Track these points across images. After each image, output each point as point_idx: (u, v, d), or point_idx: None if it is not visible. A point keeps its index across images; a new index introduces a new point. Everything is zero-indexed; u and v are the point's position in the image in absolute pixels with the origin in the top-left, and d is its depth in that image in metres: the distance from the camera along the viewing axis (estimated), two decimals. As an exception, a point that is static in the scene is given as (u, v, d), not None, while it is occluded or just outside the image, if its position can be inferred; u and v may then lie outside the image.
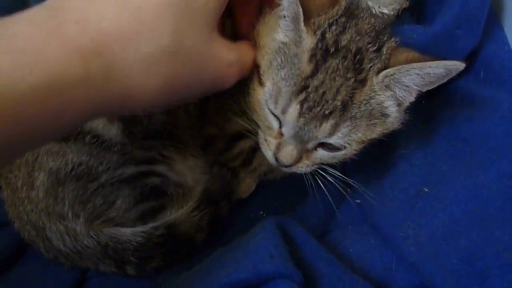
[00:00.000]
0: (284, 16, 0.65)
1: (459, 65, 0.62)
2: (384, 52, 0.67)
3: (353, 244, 0.75)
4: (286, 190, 0.90)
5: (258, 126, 0.74)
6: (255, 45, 0.69)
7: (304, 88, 0.63)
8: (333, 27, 0.65)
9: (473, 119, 0.79)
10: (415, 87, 0.65)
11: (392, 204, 0.76)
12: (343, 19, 0.67)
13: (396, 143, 0.83)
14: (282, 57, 0.65)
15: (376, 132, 0.67)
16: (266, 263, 0.63)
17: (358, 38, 0.66)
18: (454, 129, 0.81)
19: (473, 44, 0.84)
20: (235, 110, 0.79)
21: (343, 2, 0.68)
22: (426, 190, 0.75)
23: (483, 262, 0.63)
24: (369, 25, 0.69)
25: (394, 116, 0.68)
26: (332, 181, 0.76)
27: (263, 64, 0.67)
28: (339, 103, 0.63)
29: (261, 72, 0.67)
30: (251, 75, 0.70)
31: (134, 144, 0.75)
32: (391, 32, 0.72)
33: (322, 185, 0.76)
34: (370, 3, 0.89)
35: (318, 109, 0.63)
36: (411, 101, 0.68)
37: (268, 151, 0.72)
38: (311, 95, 0.63)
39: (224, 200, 0.82)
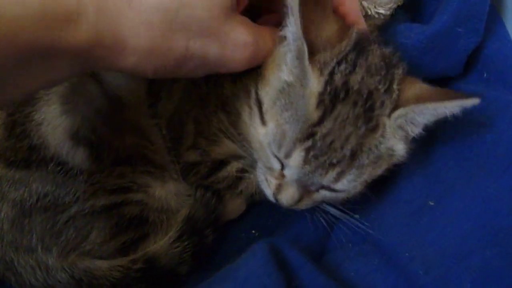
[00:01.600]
0: (290, 51, 0.60)
1: (476, 101, 0.60)
2: (395, 89, 0.62)
3: (354, 265, 0.69)
4: (279, 207, 0.82)
5: (252, 154, 0.69)
6: (258, 75, 0.64)
7: (311, 135, 0.59)
8: (342, 66, 0.60)
9: (479, 125, 0.73)
10: (427, 123, 0.63)
11: (394, 220, 0.70)
12: (352, 55, 0.61)
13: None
14: (287, 99, 0.60)
15: (381, 170, 0.64)
16: (259, 296, 0.56)
17: (368, 78, 0.61)
18: (458, 136, 0.74)
19: (474, 42, 0.78)
20: (225, 130, 0.73)
21: (353, 35, 0.63)
22: (431, 203, 0.69)
23: (501, 284, 0.56)
24: (379, 59, 0.64)
25: (401, 154, 0.65)
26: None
27: (266, 101, 0.63)
28: (348, 153, 0.59)
29: (264, 109, 0.63)
30: (244, 110, 0.66)
31: (103, 172, 0.68)
32: (398, 57, 0.67)
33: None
34: (365, 4, 0.83)
35: (325, 158, 0.59)
36: (418, 132, 0.64)
37: (267, 190, 0.68)
38: (318, 144, 0.58)
39: (208, 228, 0.75)
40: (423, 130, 0.64)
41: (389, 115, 0.61)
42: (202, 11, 0.51)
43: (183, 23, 0.50)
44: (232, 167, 0.77)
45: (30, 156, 0.66)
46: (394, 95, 0.62)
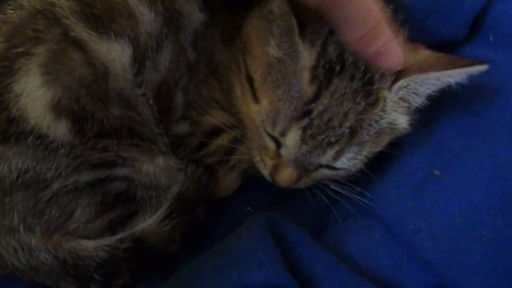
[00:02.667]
0: (275, 22, 0.57)
1: (482, 68, 0.56)
2: None
3: (355, 240, 0.65)
4: (275, 182, 0.79)
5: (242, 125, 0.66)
6: (245, 50, 0.61)
7: (307, 113, 0.55)
8: (335, 35, 0.56)
9: (485, 89, 0.69)
10: (431, 92, 0.60)
11: (398, 191, 0.66)
12: None
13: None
14: (278, 74, 0.57)
15: (382, 144, 0.61)
16: (254, 273, 0.52)
17: None
18: (464, 102, 0.70)
19: (480, 4, 0.74)
20: (216, 98, 0.69)
21: None
22: (436, 173, 0.65)
23: (513, 256, 0.53)
24: None
25: (404, 126, 0.61)
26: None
27: (257, 77, 0.59)
28: (347, 130, 0.56)
29: (255, 86, 0.60)
30: (237, 84, 0.63)
31: (87, 144, 0.63)
32: (400, 21, 0.64)
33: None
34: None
35: (323, 137, 0.56)
36: (422, 103, 0.61)
37: (264, 170, 0.65)
38: (315, 122, 0.55)
39: (200, 206, 0.71)
40: (427, 100, 0.60)
41: (389, 88, 0.58)
42: None
43: None
44: (223, 139, 0.72)
45: (8, 129, 0.61)
46: None
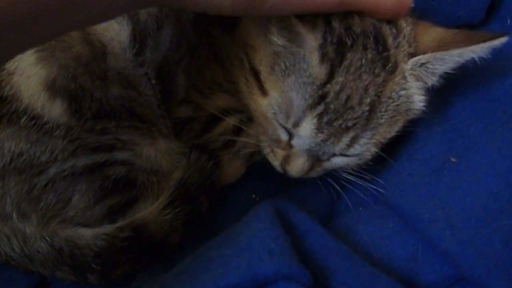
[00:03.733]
0: None
1: (504, 40, 0.54)
2: (403, 27, 0.56)
3: (367, 229, 0.62)
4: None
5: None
6: (245, 44, 0.58)
7: (322, 98, 0.52)
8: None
9: (503, 74, 0.66)
10: (449, 70, 0.57)
11: (412, 179, 0.63)
12: None
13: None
14: (286, 62, 0.54)
15: (395, 129, 0.58)
16: (264, 262, 0.49)
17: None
18: (480, 87, 0.67)
19: (497, -13, 0.70)
20: (219, 82, 0.66)
21: None
22: (453, 160, 0.62)
23: (536, 246, 0.50)
24: None
25: (419, 108, 0.59)
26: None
27: (263, 69, 0.56)
28: (367, 108, 0.53)
29: (262, 78, 0.56)
30: (241, 80, 0.61)
31: (84, 126, 0.60)
32: None
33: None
34: None
35: (340, 122, 0.53)
36: (437, 81, 0.58)
37: (274, 161, 0.62)
38: (332, 106, 0.52)
39: (203, 195, 0.67)
40: (443, 78, 0.58)
41: (406, 60, 0.55)
42: None
43: None
44: (228, 123, 0.69)
45: (0, 109, 0.58)
46: (407, 34, 0.55)
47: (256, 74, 0.57)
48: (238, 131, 0.70)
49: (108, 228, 0.62)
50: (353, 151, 0.57)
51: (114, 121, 0.61)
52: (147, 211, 0.64)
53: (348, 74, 0.52)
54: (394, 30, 0.55)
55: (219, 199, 0.72)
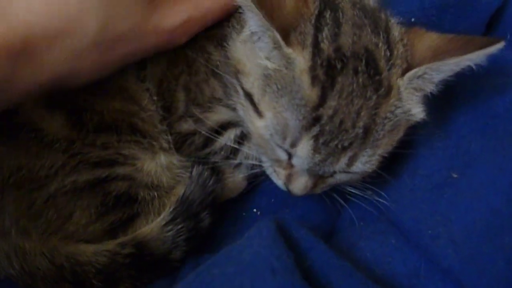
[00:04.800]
0: (257, 40, 0.55)
1: (500, 46, 0.54)
2: (397, 41, 0.56)
3: (369, 245, 0.62)
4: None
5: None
6: (237, 71, 0.59)
7: (316, 120, 0.52)
8: (325, 30, 0.53)
9: (504, 90, 0.66)
10: (447, 78, 0.56)
11: (413, 195, 0.63)
12: (327, 14, 0.55)
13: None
14: (277, 84, 0.54)
15: (396, 139, 0.58)
16: (267, 281, 0.49)
17: (360, 34, 0.54)
18: (481, 103, 0.68)
19: (497, 1, 0.72)
20: (218, 98, 0.66)
21: None
22: (454, 176, 0.62)
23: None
24: (357, 10, 0.57)
25: (420, 117, 0.58)
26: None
27: (255, 92, 0.56)
28: (360, 130, 0.53)
29: (256, 101, 0.56)
30: (238, 106, 0.62)
31: (85, 140, 0.60)
32: (380, 7, 0.61)
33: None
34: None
35: (336, 142, 0.53)
36: (436, 89, 0.58)
37: (278, 181, 0.63)
38: (327, 128, 0.52)
39: (205, 211, 0.67)
40: (442, 85, 0.57)
41: (401, 76, 0.55)
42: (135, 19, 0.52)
43: (119, 37, 0.53)
44: (230, 135, 0.69)
45: None
46: (400, 48, 0.55)
47: (250, 97, 0.58)
48: (239, 144, 0.70)
49: (109, 245, 0.61)
50: (355, 169, 0.57)
51: (116, 135, 0.61)
52: (149, 227, 0.63)
53: (340, 99, 0.52)
54: (388, 52, 0.54)
55: (220, 213, 0.72)
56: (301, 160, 0.55)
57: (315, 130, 0.52)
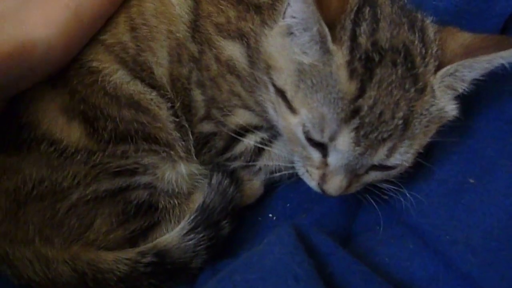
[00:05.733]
0: (294, 33, 0.55)
1: None
2: (432, 40, 0.56)
3: (387, 250, 0.62)
4: (297, 188, 0.75)
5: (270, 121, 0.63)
6: (268, 67, 0.58)
7: (355, 112, 0.52)
8: (363, 25, 0.54)
9: (519, 93, 0.67)
10: (478, 76, 0.56)
11: (431, 200, 0.64)
12: (366, 10, 0.55)
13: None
14: (312, 79, 0.54)
15: (429, 135, 0.58)
16: (290, 287, 0.49)
17: (397, 31, 0.55)
18: (496, 108, 0.68)
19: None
20: (237, 93, 0.66)
21: None
22: (471, 181, 0.62)
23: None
24: (395, 8, 0.57)
25: (453, 114, 0.59)
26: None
27: (288, 88, 0.56)
28: (400, 121, 0.53)
29: (289, 97, 0.56)
30: (267, 104, 0.62)
31: (105, 150, 0.60)
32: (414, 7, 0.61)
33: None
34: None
35: (376, 134, 0.53)
36: (467, 88, 0.58)
37: (311, 182, 0.62)
38: (366, 119, 0.52)
39: (225, 219, 0.67)
40: (473, 84, 0.57)
41: (434, 73, 0.55)
42: None
43: None
44: (250, 140, 0.69)
45: (19, 137, 0.58)
46: (434, 48, 0.56)
47: (282, 93, 0.57)
48: (259, 151, 0.70)
49: (130, 253, 0.62)
50: (394, 161, 0.56)
51: (132, 145, 0.61)
52: (170, 235, 0.64)
53: (380, 90, 0.52)
54: (423, 50, 0.55)
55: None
56: (340, 154, 0.55)
57: (356, 122, 0.52)
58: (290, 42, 0.56)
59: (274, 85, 0.59)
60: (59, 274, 0.60)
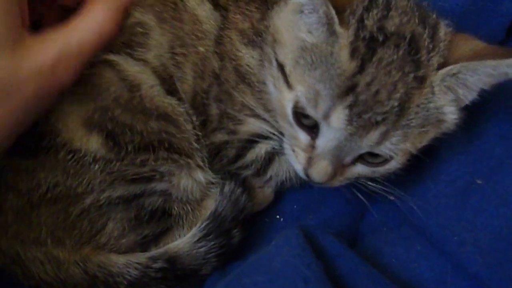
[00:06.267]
0: (303, 12, 0.55)
1: None
2: (442, 39, 0.56)
3: (395, 251, 0.62)
4: (305, 190, 0.76)
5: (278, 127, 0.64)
6: (274, 41, 0.59)
7: (351, 89, 0.52)
8: (373, 11, 0.54)
9: (527, 93, 0.67)
10: (483, 86, 0.55)
11: (438, 201, 0.64)
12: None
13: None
14: (312, 56, 0.54)
15: (426, 139, 0.57)
16: (299, 289, 0.49)
17: (407, 20, 0.55)
18: (503, 108, 0.68)
19: (519, 6, 0.71)
20: (248, 103, 0.66)
21: None
22: (479, 182, 0.62)
23: None
24: (410, 2, 0.57)
25: (451, 122, 0.57)
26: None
27: (288, 63, 0.57)
28: (396, 103, 0.52)
29: (287, 72, 0.57)
30: (269, 80, 0.61)
31: (124, 160, 0.60)
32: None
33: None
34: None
35: (369, 114, 0.52)
36: (472, 100, 0.57)
37: (297, 164, 0.61)
38: (362, 96, 0.52)
39: (237, 228, 0.67)
40: (479, 95, 0.56)
41: (436, 70, 0.54)
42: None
43: None
44: (261, 149, 0.70)
45: (39, 143, 0.59)
46: (442, 46, 0.55)
47: (282, 68, 0.58)
48: (269, 160, 0.70)
49: (141, 257, 0.62)
50: (383, 149, 0.55)
51: (153, 154, 0.61)
52: (181, 241, 0.64)
53: (378, 68, 0.52)
54: (430, 45, 0.54)
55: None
56: (332, 134, 0.55)
57: (350, 99, 0.52)
58: (298, 20, 0.56)
59: (276, 60, 0.59)
60: (70, 276, 0.60)
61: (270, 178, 0.72)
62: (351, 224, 0.72)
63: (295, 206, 0.75)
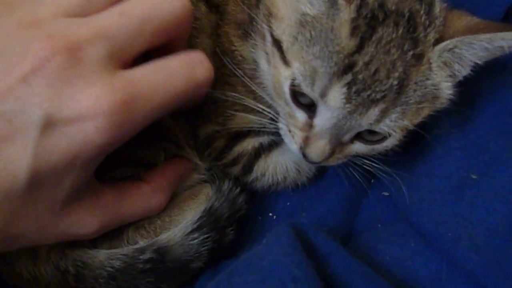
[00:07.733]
0: None
1: None
2: (437, 16, 0.56)
3: (389, 249, 0.61)
4: (298, 187, 0.75)
5: (267, 120, 0.63)
6: (269, 14, 0.57)
7: (349, 67, 0.51)
8: None
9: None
10: (477, 61, 0.55)
11: (432, 197, 0.62)
12: None
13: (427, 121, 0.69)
14: (312, 32, 0.53)
15: (422, 115, 0.57)
16: (289, 289, 0.48)
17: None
18: (498, 102, 0.66)
19: (514, -6, 0.69)
20: (238, 105, 0.66)
21: None
22: (474, 177, 0.61)
23: None
24: None
25: (445, 97, 0.57)
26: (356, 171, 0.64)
27: (285, 39, 0.55)
28: (395, 82, 0.51)
29: (284, 48, 0.55)
30: (261, 57, 0.61)
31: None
32: None
33: (343, 173, 0.66)
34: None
35: (368, 93, 0.51)
36: (465, 75, 0.57)
37: (293, 144, 0.60)
38: (360, 75, 0.51)
39: (231, 227, 0.66)
40: (472, 71, 0.56)
41: (433, 46, 0.54)
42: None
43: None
44: (248, 143, 0.69)
45: None
46: (438, 23, 0.55)
47: (279, 44, 0.56)
48: (255, 155, 0.70)
49: (127, 249, 0.60)
50: (383, 127, 0.55)
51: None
52: (172, 233, 0.63)
53: (378, 47, 0.51)
54: (427, 22, 0.54)
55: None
56: (330, 112, 0.54)
57: (348, 77, 0.51)
58: None
59: (272, 35, 0.57)
60: (42, 273, 0.59)
61: (256, 178, 0.71)
62: (345, 221, 0.70)
63: (288, 203, 0.74)
